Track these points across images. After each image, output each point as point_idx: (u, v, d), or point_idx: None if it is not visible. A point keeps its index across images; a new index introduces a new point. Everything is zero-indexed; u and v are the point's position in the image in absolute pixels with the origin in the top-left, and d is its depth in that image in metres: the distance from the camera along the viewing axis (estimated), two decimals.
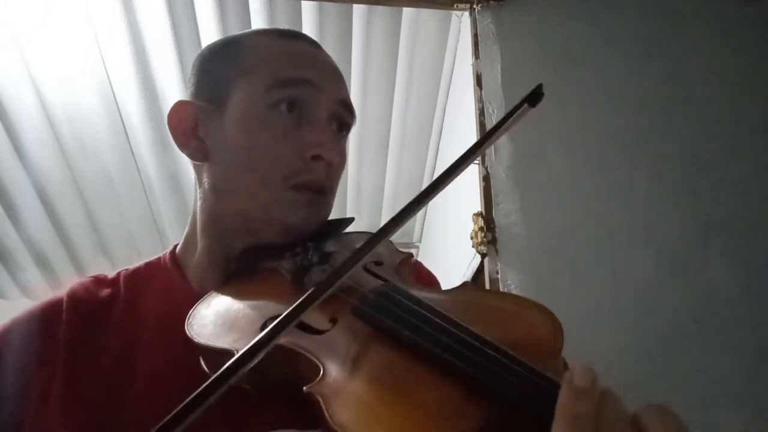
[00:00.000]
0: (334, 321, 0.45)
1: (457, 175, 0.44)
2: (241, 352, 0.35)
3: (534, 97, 0.44)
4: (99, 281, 0.60)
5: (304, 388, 0.37)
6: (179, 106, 0.60)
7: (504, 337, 0.38)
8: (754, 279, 1.23)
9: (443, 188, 0.44)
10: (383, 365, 0.39)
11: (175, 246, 0.66)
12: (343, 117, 0.62)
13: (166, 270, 0.62)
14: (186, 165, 2.03)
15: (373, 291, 0.46)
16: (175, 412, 0.32)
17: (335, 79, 0.62)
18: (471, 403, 0.33)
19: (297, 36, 0.63)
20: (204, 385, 0.33)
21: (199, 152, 0.60)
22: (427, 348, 0.38)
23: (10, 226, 2.15)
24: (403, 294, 0.45)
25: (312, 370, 0.39)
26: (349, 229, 0.64)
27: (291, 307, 0.37)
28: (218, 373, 0.33)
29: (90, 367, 0.52)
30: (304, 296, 0.38)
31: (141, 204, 2.18)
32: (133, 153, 1.98)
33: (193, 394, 0.32)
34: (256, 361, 0.35)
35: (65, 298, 0.57)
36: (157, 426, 0.31)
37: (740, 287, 1.22)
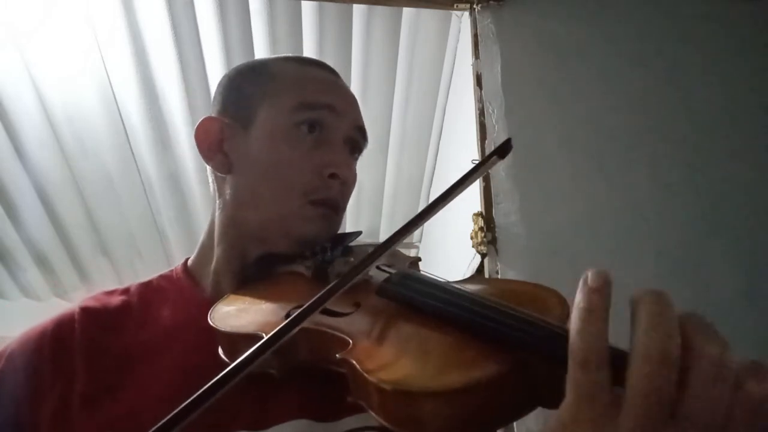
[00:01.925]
0: (357, 305, 0.48)
1: (433, 214, 0.48)
2: (270, 334, 0.36)
3: (503, 150, 0.49)
4: (110, 292, 0.63)
5: (337, 354, 0.40)
6: (206, 121, 0.64)
7: (517, 305, 0.40)
8: (754, 279, 1.23)
9: (425, 221, 0.48)
10: (410, 332, 0.42)
11: (186, 259, 0.68)
12: (357, 141, 0.66)
13: (179, 280, 0.65)
14: (186, 165, 2.03)
15: (396, 274, 0.49)
16: (211, 383, 0.33)
17: (353, 105, 0.66)
18: (497, 352, 0.36)
19: (319, 64, 0.68)
20: (236, 362, 0.34)
21: (223, 165, 0.63)
22: (452, 312, 0.40)
23: (10, 226, 2.14)
24: (422, 275, 0.48)
25: (341, 346, 0.41)
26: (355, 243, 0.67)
27: (319, 294, 0.39)
28: (249, 352, 0.35)
29: (107, 373, 0.54)
30: (331, 284, 0.40)
31: (141, 204, 2.18)
32: (133, 153, 1.98)
33: (226, 370, 0.33)
34: (284, 340, 0.36)
35: (77, 310, 0.59)
36: (197, 393, 0.32)
37: (740, 287, 1.22)
